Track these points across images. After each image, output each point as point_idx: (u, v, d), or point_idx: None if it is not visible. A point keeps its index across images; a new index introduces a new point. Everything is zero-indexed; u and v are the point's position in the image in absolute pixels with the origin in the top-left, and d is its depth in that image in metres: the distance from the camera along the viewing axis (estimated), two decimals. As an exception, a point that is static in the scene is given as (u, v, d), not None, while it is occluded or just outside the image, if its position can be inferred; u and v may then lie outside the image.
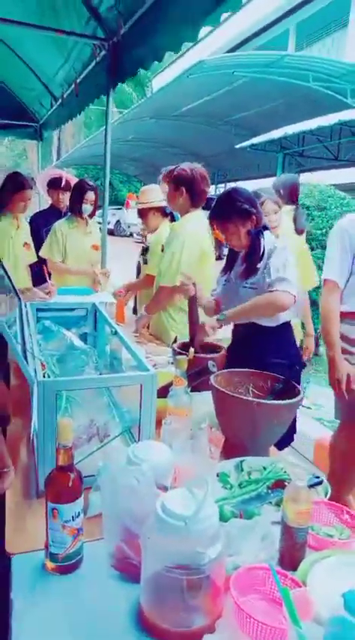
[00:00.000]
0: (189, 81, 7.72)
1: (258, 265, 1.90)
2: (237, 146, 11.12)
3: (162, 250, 2.66)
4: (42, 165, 7.01)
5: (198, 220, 2.53)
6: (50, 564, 0.98)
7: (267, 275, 1.85)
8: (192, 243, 2.46)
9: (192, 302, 1.98)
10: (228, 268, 2.09)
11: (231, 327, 2.13)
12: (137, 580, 0.92)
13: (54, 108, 5.32)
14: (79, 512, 0.97)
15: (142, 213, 3.15)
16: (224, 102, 9.21)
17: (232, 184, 15.30)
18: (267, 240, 1.94)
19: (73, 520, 0.96)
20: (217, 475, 1.22)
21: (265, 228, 1.96)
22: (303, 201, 4.69)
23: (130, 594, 0.93)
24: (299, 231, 3.17)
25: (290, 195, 3.30)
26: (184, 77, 7.56)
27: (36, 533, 1.05)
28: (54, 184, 3.75)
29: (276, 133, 9.96)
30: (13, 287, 1.89)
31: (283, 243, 1.98)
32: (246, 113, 9.83)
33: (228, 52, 13.43)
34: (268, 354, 1.79)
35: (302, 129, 9.38)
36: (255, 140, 10.52)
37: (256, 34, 15.90)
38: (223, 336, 2.11)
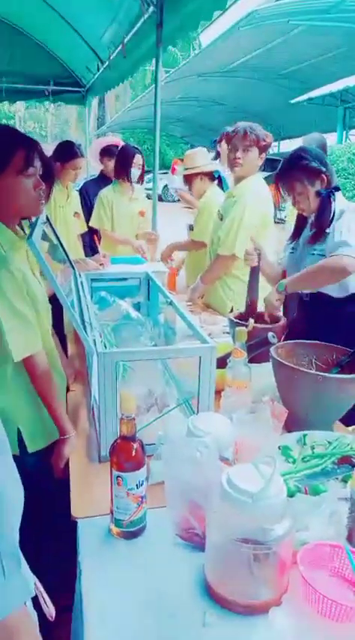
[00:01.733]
0: (240, 34, 7.31)
1: (328, 230, 1.78)
2: (293, 101, 10.54)
3: (221, 218, 2.56)
4: (86, 132, 6.94)
5: (259, 184, 2.42)
6: (115, 529, 1.01)
7: (331, 239, 1.74)
8: (254, 209, 2.36)
9: (254, 274, 1.90)
10: (296, 234, 1.97)
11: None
12: (201, 549, 0.93)
13: (100, 71, 5.22)
14: (142, 481, 0.98)
15: (188, 179, 3.02)
16: (278, 54, 8.68)
17: (286, 142, 14.59)
18: (339, 201, 1.81)
19: (137, 488, 0.97)
20: (279, 448, 1.20)
21: (337, 188, 1.81)
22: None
23: (195, 562, 0.94)
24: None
25: None
26: (235, 30, 7.15)
27: (99, 498, 1.07)
28: (109, 152, 3.69)
29: (336, 86, 9.32)
30: (67, 257, 1.90)
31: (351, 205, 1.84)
32: (303, 65, 9.23)
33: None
34: (335, 327, 1.70)
35: (364, 80, 8.71)
36: (313, 94, 9.90)
37: (312, -24, 14.67)
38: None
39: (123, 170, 3.23)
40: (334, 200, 1.79)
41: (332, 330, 1.62)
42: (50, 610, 0.81)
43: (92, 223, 3.39)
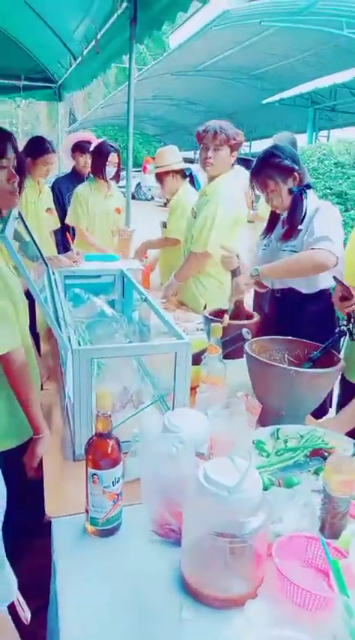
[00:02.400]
0: (213, 33, 7.35)
1: (300, 226, 1.81)
2: (264, 101, 10.64)
3: (195, 216, 2.56)
4: (58, 128, 6.84)
5: (231, 182, 2.43)
6: (90, 528, 1.00)
7: (310, 235, 1.74)
8: (227, 207, 2.37)
9: (236, 275, 1.90)
10: (269, 230, 2.00)
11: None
12: (177, 544, 0.93)
13: (73, 67, 5.14)
14: (118, 478, 0.98)
15: (160, 177, 3.02)
16: (250, 54, 8.77)
17: (258, 142, 14.76)
18: (311, 199, 1.84)
19: (112, 485, 0.97)
20: (253, 442, 1.21)
21: (308, 186, 1.85)
22: (338, 159, 4.49)
23: (171, 558, 0.94)
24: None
25: None
26: (208, 29, 7.18)
27: (74, 497, 1.06)
28: (81, 148, 3.64)
29: (306, 87, 9.47)
30: (40, 253, 1.87)
31: (328, 202, 1.88)
32: (274, 66, 9.34)
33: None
34: (304, 322, 1.74)
35: (334, 82, 8.88)
36: (284, 95, 10.03)
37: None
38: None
39: (98, 167, 3.20)
40: (306, 198, 1.82)
41: (301, 325, 1.65)
42: (26, 614, 0.80)
43: (68, 220, 3.35)
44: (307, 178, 1.87)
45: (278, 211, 1.92)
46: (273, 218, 1.98)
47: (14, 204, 1.37)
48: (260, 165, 1.84)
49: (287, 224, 1.87)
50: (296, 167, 1.80)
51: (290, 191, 1.82)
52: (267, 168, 1.82)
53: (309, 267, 1.71)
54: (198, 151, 2.67)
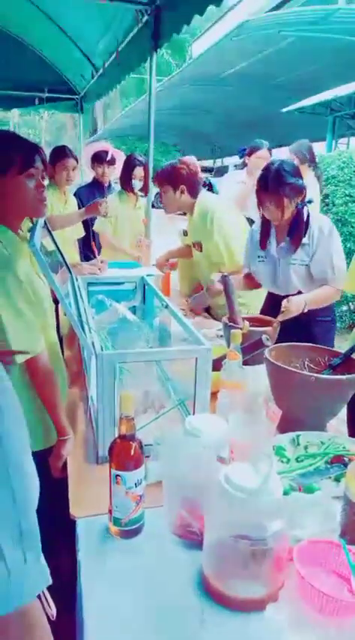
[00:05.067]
0: (232, 44, 7.40)
1: (305, 240, 1.92)
2: (284, 110, 10.62)
3: (200, 249, 2.60)
4: (80, 139, 6.97)
5: (208, 198, 2.53)
6: (114, 528, 1.02)
7: (330, 270, 1.91)
8: (225, 218, 2.44)
9: (227, 296, 1.93)
10: (264, 243, 2.07)
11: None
12: (198, 547, 0.94)
13: (94, 79, 5.26)
14: (141, 480, 1.00)
15: None
16: (269, 64, 8.78)
17: (276, 150, 14.74)
18: (314, 214, 1.95)
19: (135, 487, 0.99)
20: (273, 448, 1.22)
21: (310, 201, 1.95)
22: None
23: (192, 559, 0.95)
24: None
25: (312, 157, 3.76)
26: (227, 40, 7.25)
27: (97, 498, 1.09)
28: (99, 158, 3.73)
29: (326, 95, 9.43)
30: (65, 261, 1.92)
31: (328, 220, 2.00)
32: (293, 75, 9.34)
33: (272, 10, 12.65)
34: (313, 314, 1.89)
35: (354, 90, 8.84)
36: (303, 103, 10.01)
37: (303, -12, 14.89)
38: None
39: (125, 180, 3.29)
40: (307, 212, 1.92)
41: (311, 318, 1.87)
42: (52, 610, 0.82)
43: (95, 227, 3.44)
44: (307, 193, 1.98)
45: (274, 222, 2.00)
46: (267, 228, 2.05)
47: (43, 213, 1.42)
48: (274, 183, 1.88)
49: (289, 237, 1.96)
50: (304, 185, 1.90)
51: (295, 207, 1.92)
52: (281, 187, 1.87)
53: (331, 301, 2.04)
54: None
